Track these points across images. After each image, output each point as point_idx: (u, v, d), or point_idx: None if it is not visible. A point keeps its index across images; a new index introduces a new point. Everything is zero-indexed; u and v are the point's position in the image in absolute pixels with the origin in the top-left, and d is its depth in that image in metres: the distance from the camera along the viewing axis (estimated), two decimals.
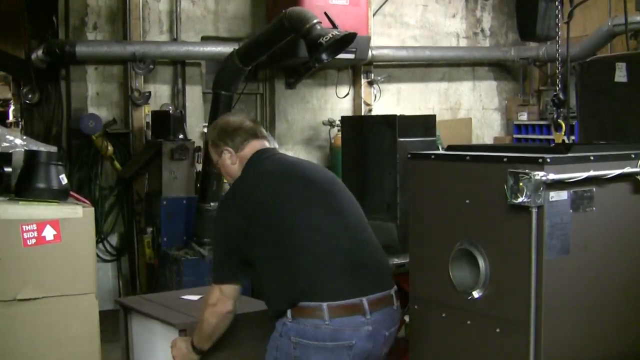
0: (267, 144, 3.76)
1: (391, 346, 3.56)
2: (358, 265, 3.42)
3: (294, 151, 9.25)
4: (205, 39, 8.80)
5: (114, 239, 8.57)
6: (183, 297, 4.45)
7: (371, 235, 3.64)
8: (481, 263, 3.53)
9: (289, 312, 3.31)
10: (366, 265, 3.46)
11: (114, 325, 7.20)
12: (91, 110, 8.27)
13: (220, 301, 3.45)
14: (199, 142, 8.19)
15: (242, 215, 3.41)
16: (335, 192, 3.63)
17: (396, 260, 5.39)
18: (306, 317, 3.27)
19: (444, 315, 3.75)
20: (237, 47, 7.19)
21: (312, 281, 3.31)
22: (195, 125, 8.60)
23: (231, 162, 3.68)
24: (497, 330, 3.45)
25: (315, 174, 3.68)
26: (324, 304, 3.26)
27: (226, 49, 7.98)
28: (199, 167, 7.80)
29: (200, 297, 4.25)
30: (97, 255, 7.49)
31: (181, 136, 7.87)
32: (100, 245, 8.34)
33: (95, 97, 8.40)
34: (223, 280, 3.46)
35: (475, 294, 3.57)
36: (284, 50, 7.28)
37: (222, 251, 3.53)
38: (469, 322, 3.59)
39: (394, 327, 3.55)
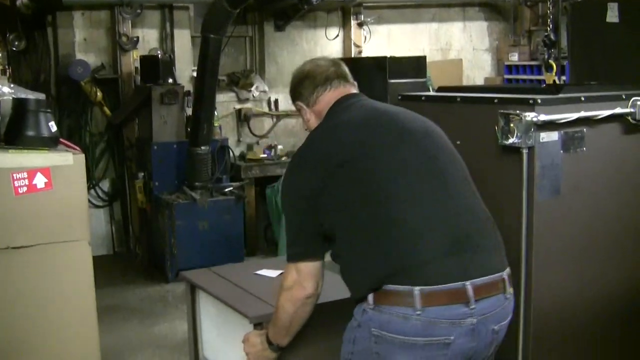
0: (351, 90, 3.11)
1: (499, 345, 2.81)
2: (462, 241, 2.69)
3: (285, 94, 9.19)
4: None
5: (105, 185, 8.57)
6: (259, 272, 3.87)
7: (479, 203, 2.88)
8: None
9: (370, 296, 2.64)
10: (473, 241, 2.72)
11: (108, 271, 7.26)
12: (79, 56, 8.19)
13: (298, 283, 2.81)
14: (188, 87, 8.14)
15: (318, 176, 2.76)
16: (435, 146, 2.90)
17: None
18: (392, 304, 2.59)
19: None
20: None
21: (403, 260, 2.62)
22: (185, 70, 8.53)
23: (306, 118, 3.10)
24: None
25: (411, 123, 2.95)
26: (416, 289, 2.56)
27: None
28: (189, 111, 7.77)
29: (280, 274, 3.60)
30: (89, 202, 7.53)
31: (170, 81, 7.82)
32: (92, 191, 8.35)
33: (82, 43, 8.31)
34: (299, 257, 2.82)
35: None
36: None
37: (295, 223, 2.88)
38: None
39: (505, 321, 2.77)
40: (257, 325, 3.18)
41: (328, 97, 3.04)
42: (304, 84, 3.08)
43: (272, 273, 3.80)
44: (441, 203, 2.72)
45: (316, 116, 3.06)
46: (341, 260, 2.80)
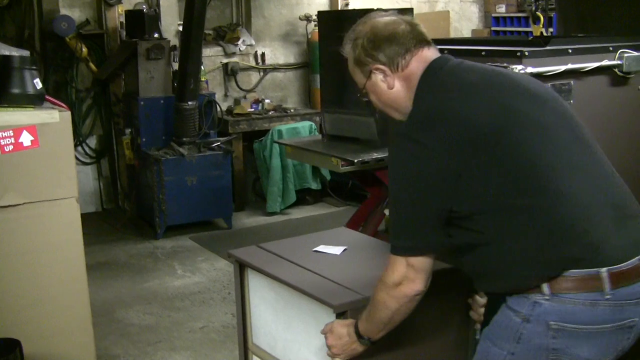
0: (437, 52, 2.65)
1: None
2: (623, 211, 2.43)
3: (272, 47, 9.17)
4: None
5: (92, 142, 8.53)
6: (319, 249, 3.42)
7: (615, 171, 2.56)
8: None
9: (545, 286, 2.31)
10: (629, 209, 2.46)
11: (97, 227, 7.27)
12: (63, 11, 8.11)
13: (407, 280, 2.44)
14: (174, 41, 8.08)
15: (450, 152, 2.33)
16: (566, 109, 2.60)
17: (375, 155, 5.44)
18: (576, 290, 2.29)
19: None
20: None
21: (582, 238, 2.31)
22: (170, 24, 8.46)
23: (387, 85, 2.60)
24: None
25: (535, 85, 2.61)
26: (603, 270, 2.28)
27: None
28: (176, 66, 7.73)
29: (344, 250, 3.40)
30: (77, 159, 7.51)
31: (156, 35, 7.76)
32: (79, 148, 8.33)
33: None
34: (413, 251, 2.43)
35: None
36: None
37: (412, 211, 2.43)
38: None
39: None
40: (340, 314, 2.83)
41: (418, 59, 2.57)
42: (390, 44, 2.57)
43: (335, 250, 3.41)
44: (595, 170, 2.46)
45: (404, 82, 2.58)
46: (485, 250, 2.41)
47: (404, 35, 2.57)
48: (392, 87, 2.59)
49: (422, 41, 2.59)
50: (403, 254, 2.44)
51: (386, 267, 2.50)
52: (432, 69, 2.55)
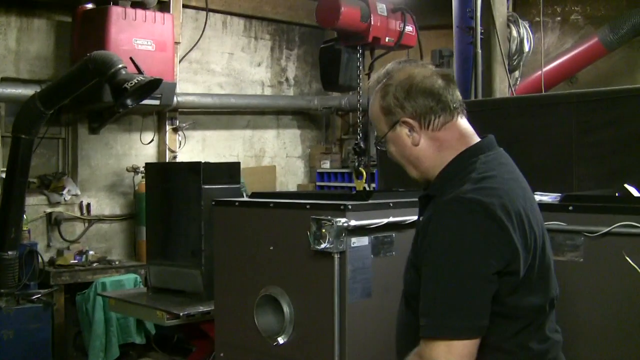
0: (466, 119, 2.49)
1: None
2: None
3: (97, 198, 9.04)
4: (6, 80, 8.46)
5: None
6: None
7: None
8: (285, 309, 3.58)
9: None
10: None
11: None
12: None
13: None
14: None
15: (520, 239, 2.22)
16: None
17: (201, 308, 5.37)
18: None
19: None
20: (39, 90, 7.01)
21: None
22: None
23: (412, 140, 2.42)
24: None
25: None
26: None
27: (27, 91, 7.70)
28: None
29: None
30: None
31: None
32: None
33: None
34: (461, 332, 2.14)
35: (280, 340, 3.60)
36: (88, 94, 7.12)
37: (465, 286, 2.16)
38: None
39: None
40: None
41: (453, 126, 2.42)
42: (425, 98, 2.39)
43: None
44: None
45: (432, 142, 2.41)
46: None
47: (440, 93, 2.39)
48: (417, 144, 2.42)
49: (459, 107, 2.43)
50: (446, 336, 2.14)
51: (414, 354, 2.23)
52: (481, 147, 2.42)
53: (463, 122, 2.44)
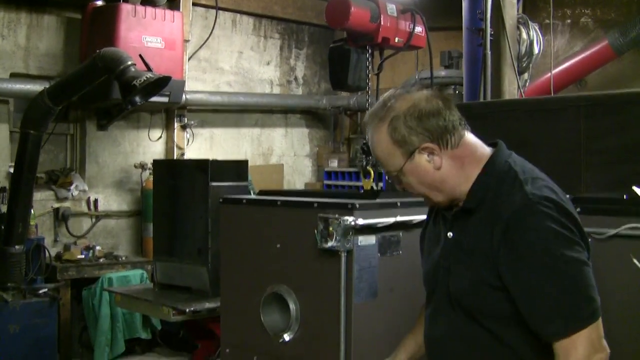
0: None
1: None
2: None
3: (105, 194, 9.06)
4: (15, 76, 8.50)
5: None
6: None
7: None
8: (292, 306, 3.58)
9: None
10: None
11: None
12: None
13: (597, 350, 2.24)
14: (4, 183, 7.87)
15: (582, 245, 2.33)
16: None
17: (207, 305, 5.37)
18: None
19: (255, 359, 3.76)
20: (47, 86, 7.02)
21: None
22: (1, 166, 8.26)
23: (434, 165, 2.40)
24: None
25: None
26: None
27: (36, 87, 7.73)
28: (4, 208, 7.49)
29: None
30: None
31: None
32: None
33: None
34: (593, 314, 2.24)
35: (286, 337, 3.61)
36: (96, 91, 7.15)
37: (584, 274, 2.26)
38: None
39: None
40: None
41: (469, 141, 2.45)
42: (437, 120, 2.38)
43: None
44: None
45: (453, 161, 2.41)
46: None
47: (446, 112, 2.39)
48: (440, 167, 2.40)
49: (463, 121, 2.44)
50: (594, 319, 2.23)
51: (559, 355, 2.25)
52: (502, 154, 2.45)
53: (471, 135, 2.47)
